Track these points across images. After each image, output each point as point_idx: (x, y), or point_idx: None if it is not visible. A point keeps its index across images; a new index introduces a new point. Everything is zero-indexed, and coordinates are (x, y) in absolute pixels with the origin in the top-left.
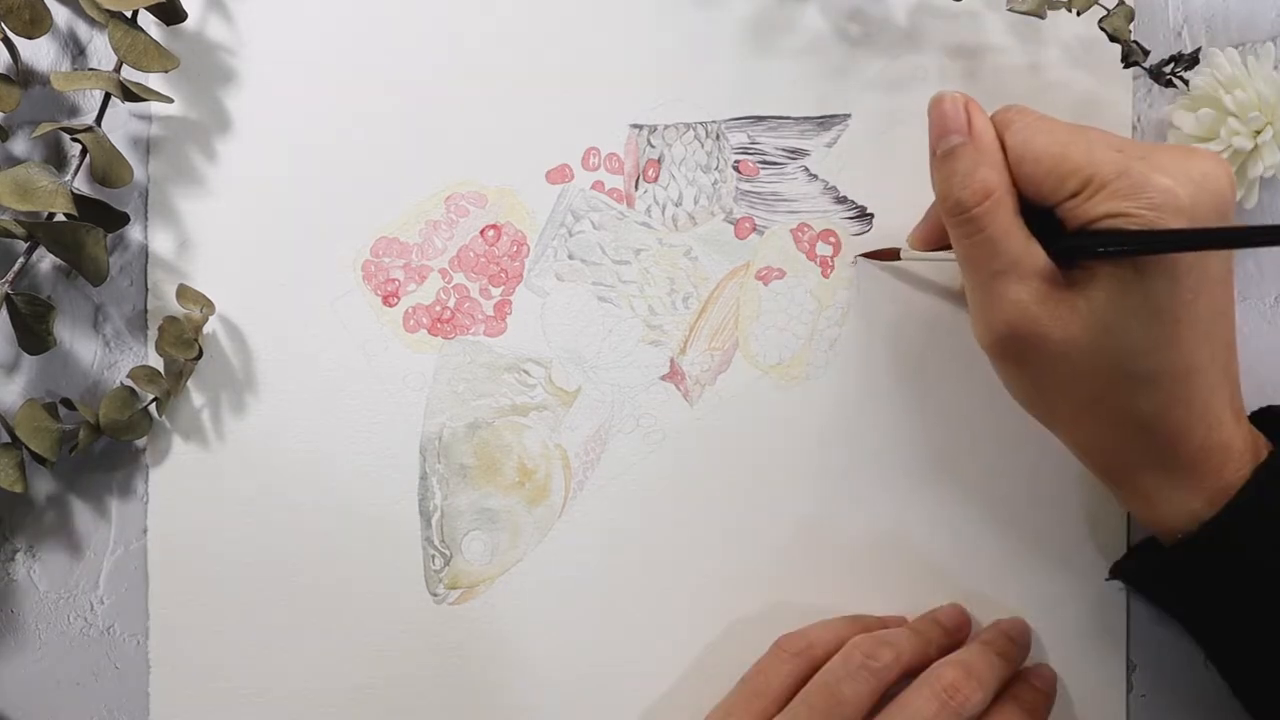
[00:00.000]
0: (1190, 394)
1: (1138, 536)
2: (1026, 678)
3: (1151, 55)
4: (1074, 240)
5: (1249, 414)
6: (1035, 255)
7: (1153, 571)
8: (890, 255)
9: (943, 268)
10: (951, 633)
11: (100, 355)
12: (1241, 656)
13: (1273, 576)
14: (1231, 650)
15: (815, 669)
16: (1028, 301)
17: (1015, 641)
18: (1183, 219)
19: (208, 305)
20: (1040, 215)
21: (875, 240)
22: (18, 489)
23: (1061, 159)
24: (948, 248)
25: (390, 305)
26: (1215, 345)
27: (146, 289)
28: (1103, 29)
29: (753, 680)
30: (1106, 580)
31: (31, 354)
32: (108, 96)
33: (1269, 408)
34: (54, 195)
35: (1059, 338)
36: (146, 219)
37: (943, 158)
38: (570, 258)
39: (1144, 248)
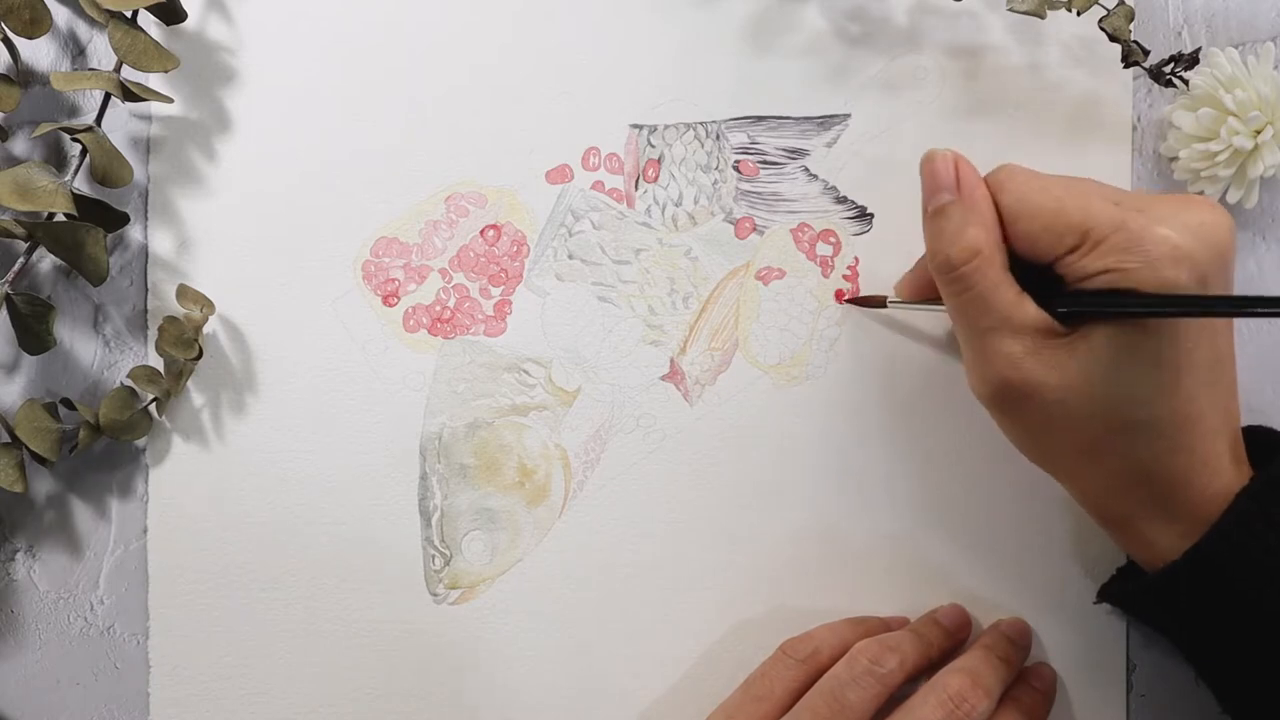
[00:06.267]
0: (1191, 442)
1: None
2: (1026, 679)
3: (1151, 55)
4: (1071, 301)
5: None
6: (1026, 310)
7: (1138, 595)
8: (876, 302)
9: None
10: (952, 634)
11: (100, 355)
12: (1228, 679)
13: (1252, 601)
14: (1219, 672)
15: (820, 674)
16: (1019, 355)
17: (1016, 644)
18: (1182, 269)
19: (208, 305)
20: (1037, 270)
21: (875, 240)
22: (18, 489)
23: (1057, 215)
24: (936, 299)
25: (390, 305)
26: (1216, 392)
27: (146, 289)
28: (1103, 29)
29: (756, 684)
30: (1094, 603)
31: (31, 354)
32: (108, 96)
33: (1256, 427)
34: (54, 195)
35: (1055, 385)
36: (146, 219)
37: (932, 215)
38: (570, 258)
39: (1141, 312)
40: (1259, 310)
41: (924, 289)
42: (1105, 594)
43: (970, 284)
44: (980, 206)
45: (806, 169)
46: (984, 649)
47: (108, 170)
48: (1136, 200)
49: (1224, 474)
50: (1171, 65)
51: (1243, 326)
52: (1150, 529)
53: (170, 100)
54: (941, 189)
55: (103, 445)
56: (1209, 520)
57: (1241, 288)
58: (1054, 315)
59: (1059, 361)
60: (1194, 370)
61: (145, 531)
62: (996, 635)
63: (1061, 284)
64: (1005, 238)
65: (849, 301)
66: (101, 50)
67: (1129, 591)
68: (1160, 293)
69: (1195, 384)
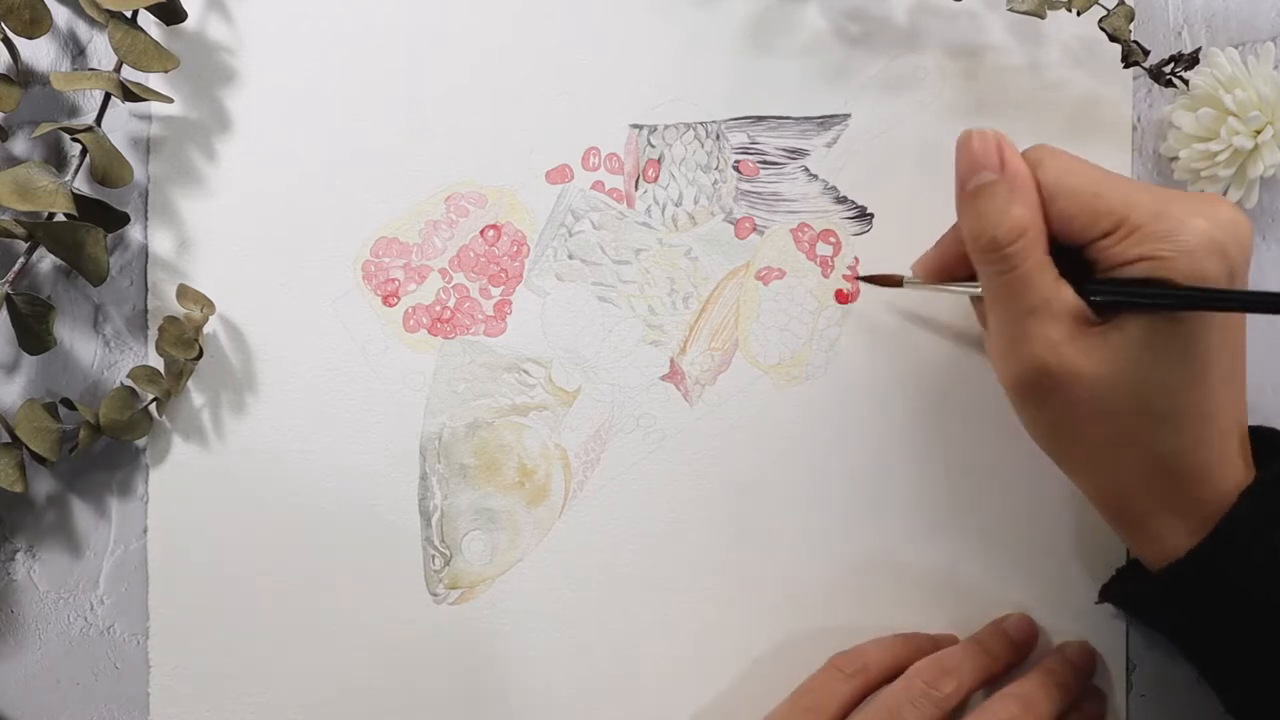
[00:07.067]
0: (1211, 436)
1: None
2: (1079, 705)
3: (1151, 55)
4: (1109, 289)
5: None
6: (1065, 294)
7: (1140, 596)
8: (893, 282)
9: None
10: (1019, 646)
11: (100, 355)
12: (1231, 678)
13: (1255, 600)
14: (1221, 671)
15: (870, 690)
16: (1058, 340)
17: (1078, 669)
18: (1215, 260)
19: (208, 305)
20: (1068, 255)
21: (875, 240)
22: (18, 489)
23: (1096, 197)
24: (954, 280)
25: (390, 305)
26: (1233, 390)
27: (146, 289)
28: (1103, 29)
29: (807, 696)
30: (1096, 604)
31: (31, 354)
32: (108, 96)
33: (1260, 428)
34: (54, 195)
35: (1089, 375)
36: (146, 219)
37: (974, 194)
38: (570, 258)
39: (1178, 305)
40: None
41: (943, 271)
42: (1107, 594)
43: (1016, 263)
44: (1024, 185)
45: (806, 169)
46: (1045, 673)
47: (108, 170)
48: (1165, 192)
49: (1235, 473)
50: (1171, 65)
51: (1245, 323)
52: (1161, 525)
53: (170, 100)
54: (982, 167)
55: (103, 445)
56: (1216, 518)
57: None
58: (1089, 303)
59: (1093, 349)
60: (1217, 366)
61: (145, 531)
62: (1060, 660)
63: (1092, 270)
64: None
65: (863, 279)
66: (101, 50)
67: (1131, 593)
68: (1197, 286)
69: (1217, 380)
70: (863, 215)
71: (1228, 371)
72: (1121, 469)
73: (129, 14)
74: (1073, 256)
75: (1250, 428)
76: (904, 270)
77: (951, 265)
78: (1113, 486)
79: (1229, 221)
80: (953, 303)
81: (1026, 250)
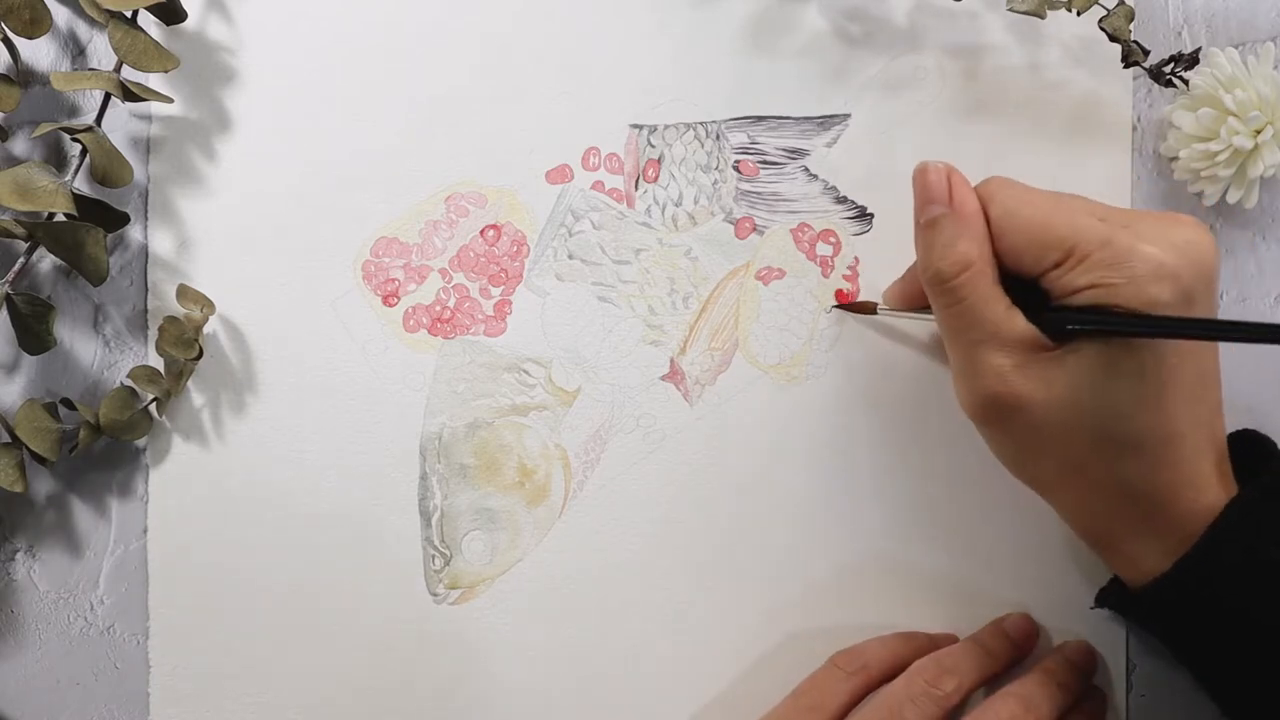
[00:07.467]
0: (1176, 458)
1: None
2: (1079, 707)
3: (1151, 55)
4: (1057, 317)
5: (1229, 433)
6: (1015, 324)
7: (1132, 602)
8: (867, 309)
9: None
10: (1019, 645)
11: (100, 355)
12: (1225, 687)
13: (1241, 610)
14: (1215, 680)
15: (870, 689)
16: (1008, 369)
17: (1078, 668)
18: (1166, 286)
19: (208, 305)
20: (1025, 283)
21: (875, 240)
22: (18, 489)
23: (1044, 230)
24: (924, 307)
25: (390, 305)
26: (1201, 409)
27: (146, 289)
28: (1103, 29)
29: (807, 694)
30: (1092, 608)
31: (31, 354)
32: (108, 96)
33: (1245, 431)
34: (54, 195)
35: (1042, 400)
36: (146, 219)
37: (925, 227)
38: (570, 258)
39: (1128, 331)
40: (1236, 335)
41: (912, 299)
42: (1103, 599)
43: (960, 297)
44: (972, 220)
45: (806, 169)
46: (1045, 672)
47: (108, 170)
48: (1122, 216)
49: (1210, 492)
50: (1171, 65)
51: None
52: (1136, 547)
53: (170, 100)
54: (934, 201)
55: (103, 445)
56: (1192, 539)
57: (1241, 288)
58: (1043, 329)
59: (1047, 376)
60: (1178, 387)
61: (145, 531)
62: (1059, 659)
63: (1048, 299)
64: (993, 251)
65: (838, 308)
66: (101, 50)
67: (1123, 597)
68: (1146, 311)
69: (1178, 401)
70: (863, 215)
71: (1192, 391)
72: (1086, 492)
73: (129, 14)
74: (1031, 287)
75: (1236, 432)
76: (881, 294)
77: (915, 294)
78: (1081, 507)
79: (1185, 244)
80: None
81: (971, 283)
